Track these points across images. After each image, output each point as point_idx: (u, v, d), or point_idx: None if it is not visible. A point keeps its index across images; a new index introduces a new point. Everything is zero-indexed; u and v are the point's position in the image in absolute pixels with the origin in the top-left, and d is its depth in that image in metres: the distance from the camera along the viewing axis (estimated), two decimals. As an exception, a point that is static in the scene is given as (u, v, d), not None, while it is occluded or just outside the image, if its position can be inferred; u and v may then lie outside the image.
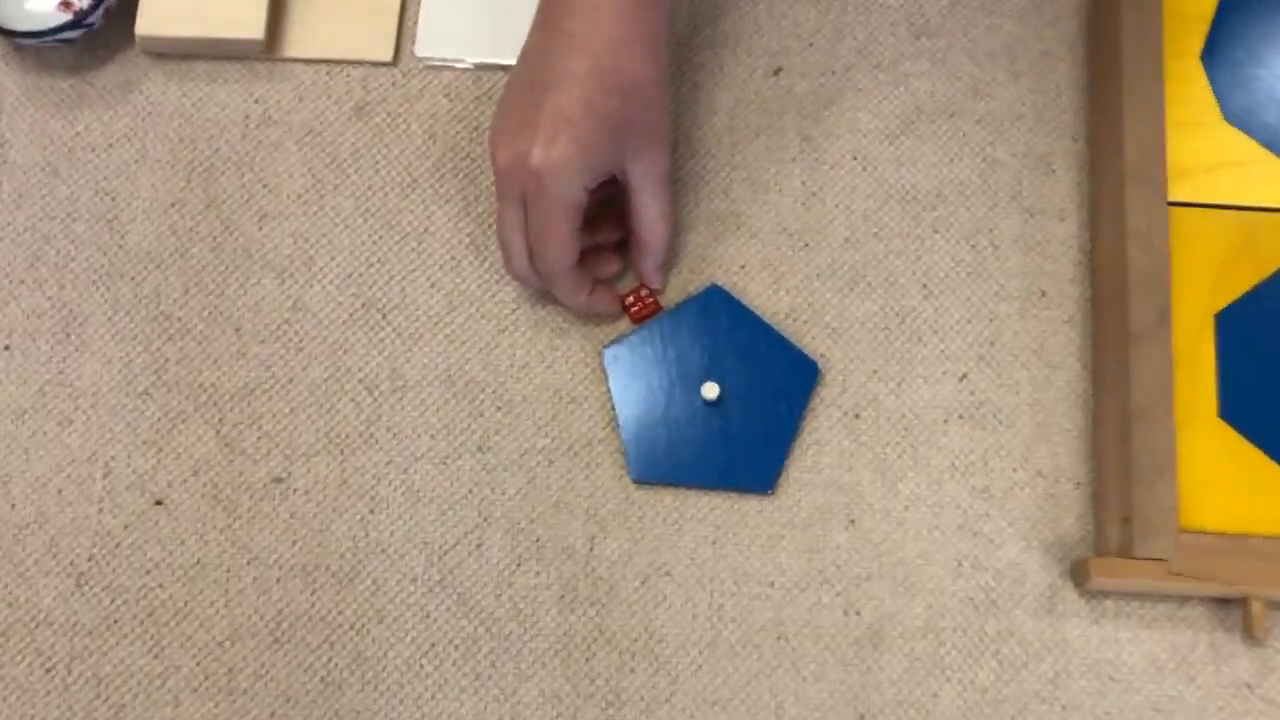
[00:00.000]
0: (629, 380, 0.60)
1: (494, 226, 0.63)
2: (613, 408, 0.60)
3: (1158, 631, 0.58)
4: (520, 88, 0.56)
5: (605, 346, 0.61)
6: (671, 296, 0.62)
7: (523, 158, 0.54)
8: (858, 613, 0.58)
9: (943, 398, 0.61)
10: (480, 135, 0.65)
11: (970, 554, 0.59)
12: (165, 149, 0.65)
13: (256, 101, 0.66)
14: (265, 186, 0.64)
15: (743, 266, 0.63)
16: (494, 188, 0.64)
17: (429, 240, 0.63)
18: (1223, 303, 0.60)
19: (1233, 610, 0.58)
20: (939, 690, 0.57)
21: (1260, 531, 0.57)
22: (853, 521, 0.59)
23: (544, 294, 0.62)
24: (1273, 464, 0.57)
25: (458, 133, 0.65)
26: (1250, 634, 0.56)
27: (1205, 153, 0.62)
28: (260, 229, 0.64)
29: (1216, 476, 0.58)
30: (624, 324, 0.62)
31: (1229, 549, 0.56)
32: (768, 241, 0.63)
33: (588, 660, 0.58)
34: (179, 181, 0.64)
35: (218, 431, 0.61)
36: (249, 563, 0.59)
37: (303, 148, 0.65)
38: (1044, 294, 0.62)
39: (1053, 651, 0.57)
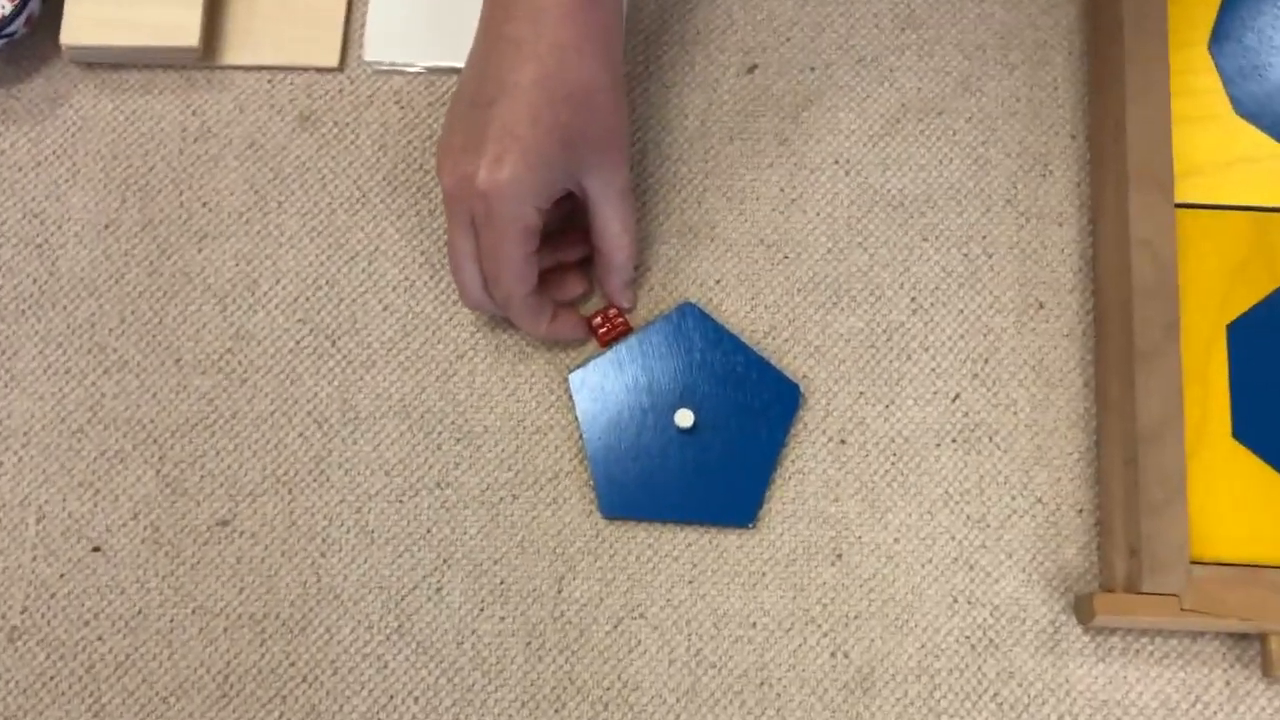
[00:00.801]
0: (597, 408, 0.56)
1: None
2: (580, 438, 0.56)
3: (1169, 670, 0.54)
4: (464, 102, 0.52)
5: (571, 371, 0.57)
6: (641, 315, 0.58)
7: (469, 179, 0.50)
8: (846, 655, 0.54)
9: (934, 420, 0.57)
10: (434, 145, 0.61)
11: (966, 589, 0.55)
12: (97, 166, 0.61)
13: (194, 113, 0.61)
14: (205, 205, 0.60)
15: (717, 281, 0.58)
16: (448, 203, 0.59)
17: (381, 260, 0.59)
18: (1235, 312, 0.56)
19: (1250, 645, 0.54)
20: (934, 737, 0.53)
21: (1278, 562, 0.52)
22: (839, 556, 0.55)
23: (505, 318, 0.58)
24: (1291, 487, 0.53)
25: (410, 142, 0.61)
26: (1269, 673, 0.52)
27: (1215, 149, 0.57)
28: (200, 251, 0.60)
29: (1230, 502, 0.54)
30: (591, 346, 0.58)
31: (1245, 581, 0.52)
32: (744, 254, 0.59)
33: (557, 711, 0.54)
34: (113, 201, 0.60)
35: (158, 471, 0.57)
36: (194, 612, 0.55)
37: (244, 162, 0.61)
38: (1042, 305, 0.58)
39: (1056, 693, 0.54)
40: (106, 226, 0.60)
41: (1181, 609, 0.51)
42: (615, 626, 0.55)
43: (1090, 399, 0.57)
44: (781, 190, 0.60)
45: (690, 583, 0.55)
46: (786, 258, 0.59)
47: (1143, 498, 0.52)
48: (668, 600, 0.55)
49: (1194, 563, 0.52)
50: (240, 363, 0.58)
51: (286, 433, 0.57)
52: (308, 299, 0.59)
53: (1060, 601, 0.55)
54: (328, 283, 0.59)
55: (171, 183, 0.61)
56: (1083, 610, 0.54)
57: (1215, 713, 0.53)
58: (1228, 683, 0.54)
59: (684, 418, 0.56)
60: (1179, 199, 0.56)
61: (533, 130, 0.49)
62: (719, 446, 0.56)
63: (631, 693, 0.54)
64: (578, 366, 0.58)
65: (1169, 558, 0.52)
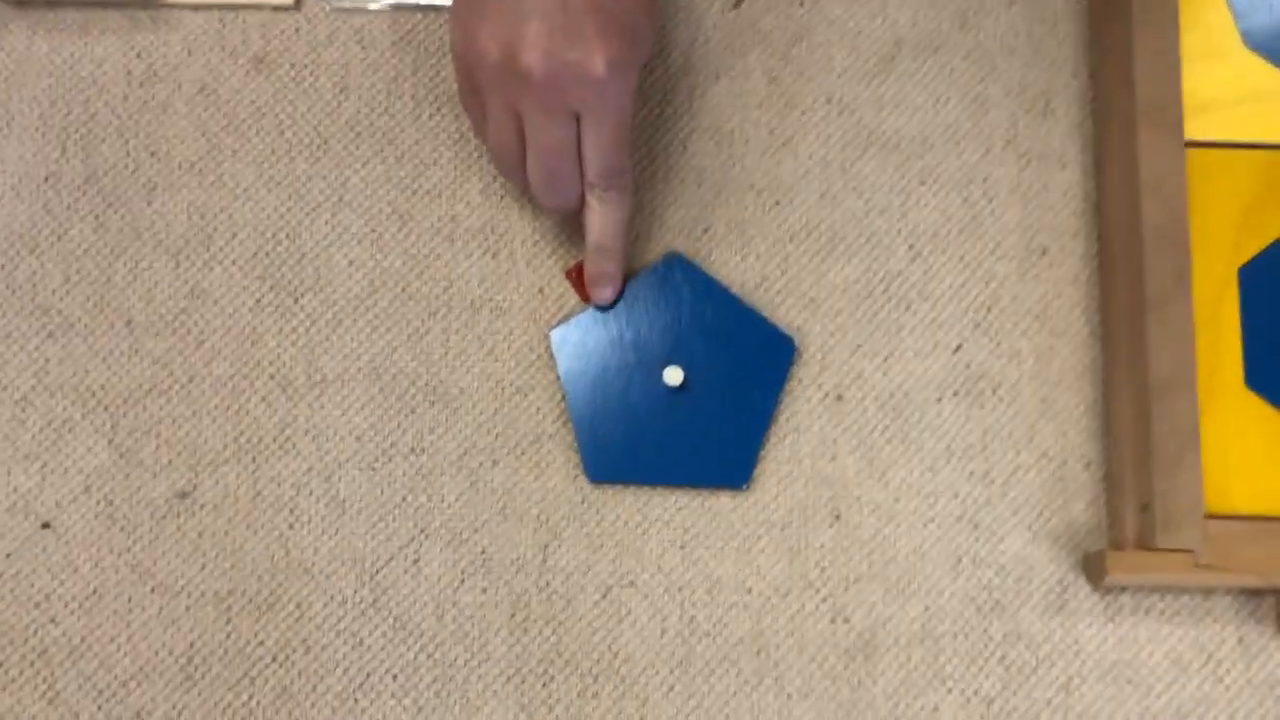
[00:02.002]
0: (580, 366, 0.53)
1: (418, 193, 0.55)
2: (563, 398, 0.53)
3: (1180, 628, 0.52)
4: None
5: (552, 328, 0.54)
6: (627, 266, 0.55)
7: (577, 67, 0.46)
8: (846, 619, 0.52)
9: (935, 372, 0.54)
10: (399, 86, 0.57)
11: (970, 549, 0.52)
12: (35, 114, 0.56)
13: (139, 55, 0.57)
14: (153, 154, 0.56)
15: (705, 230, 0.55)
16: (418, 146, 0.56)
17: (345, 211, 0.55)
18: (1246, 255, 0.53)
19: (1264, 601, 0.52)
20: (939, 703, 0.51)
21: (1294, 514, 0.51)
22: (838, 517, 0.53)
23: (482, 269, 0.54)
24: (1306, 437, 0.51)
25: (373, 84, 0.57)
26: (1285, 629, 0.50)
27: (1225, 85, 0.55)
28: (149, 204, 0.55)
29: (1243, 453, 0.51)
30: (573, 301, 0.55)
31: (1260, 535, 0.50)
32: (732, 200, 0.55)
33: (544, 685, 0.51)
34: (52, 151, 0.56)
35: (111, 441, 0.53)
36: (153, 590, 0.52)
37: (195, 108, 0.56)
38: (1045, 251, 0.55)
39: (1064, 655, 0.51)
40: (46, 179, 0.56)
41: (1196, 565, 0.49)
42: (604, 596, 0.52)
43: (1097, 348, 0.55)
44: (771, 132, 0.57)
45: (682, 548, 0.53)
46: (778, 204, 0.56)
47: (1155, 451, 0.50)
48: (659, 567, 0.52)
49: (1208, 517, 0.50)
50: (196, 323, 0.55)
51: (248, 397, 0.54)
52: (267, 254, 0.55)
53: (1068, 560, 0.53)
54: (288, 236, 0.55)
55: (116, 131, 0.56)
56: (1093, 568, 0.51)
57: (1228, 670, 0.51)
58: (1240, 639, 0.52)
59: (673, 375, 0.53)
60: (1187, 138, 0.53)
61: (619, 3, 0.46)
62: (710, 405, 0.53)
63: (623, 664, 0.52)
64: (559, 323, 0.54)
65: (1183, 513, 0.50)
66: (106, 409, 0.54)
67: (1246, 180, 0.54)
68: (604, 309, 0.53)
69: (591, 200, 0.51)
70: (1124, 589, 0.52)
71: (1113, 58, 0.55)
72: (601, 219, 0.51)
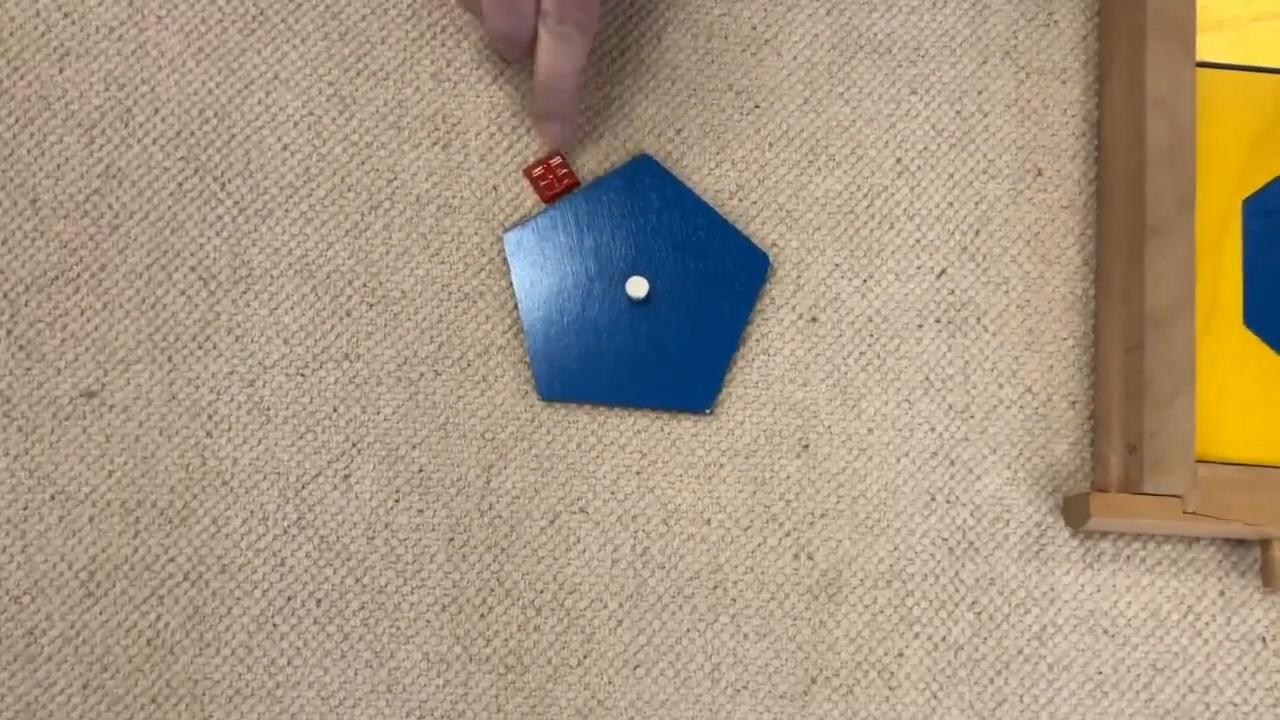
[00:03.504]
0: (536, 273, 0.49)
1: (363, 74, 0.50)
2: (515, 307, 0.49)
3: (1161, 578, 0.49)
4: None
5: (506, 230, 0.49)
6: (589, 168, 0.50)
7: None
8: (810, 556, 0.48)
9: (916, 297, 0.50)
10: (346, -44, 0.51)
11: (945, 486, 0.49)
12: (-69, -38, 0.50)
13: (52, -97, 0.51)
14: (65, 15, 0.50)
15: (678, 131, 0.51)
16: (364, 21, 0.50)
17: (280, 89, 0.50)
18: (1253, 186, 0.50)
19: (1247, 553, 0.49)
20: (905, 648, 0.48)
21: (1287, 462, 0.48)
22: (806, 447, 0.49)
23: (430, 162, 0.49)
24: (1304, 382, 0.48)
25: (318, -48, 0.51)
26: (1270, 583, 0.48)
27: (1241, 2, 0.51)
28: (61, 72, 0.50)
29: (1238, 396, 0.48)
30: (531, 201, 0.50)
31: (1250, 483, 0.47)
32: (709, 101, 0.51)
33: (482, 616, 0.47)
34: (-50, 6, 0.50)
35: (9, 332, 0.48)
36: (53, 498, 0.47)
37: (114, -34, 0.51)
38: (1040, 172, 0.51)
39: (1039, 602, 0.48)
40: (-57, 37, 0.50)
41: (1185, 512, 0.46)
42: (551, 522, 0.48)
43: (1089, 279, 0.51)
44: (753, 28, 0.52)
45: (638, 474, 0.49)
46: (757, 107, 0.51)
47: (1147, 389, 0.47)
48: (612, 493, 0.48)
49: (1197, 461, 0.47)
50: (110, 206, 0.49)
51: (166, 290, 0.49)
52: (192, 133, 0.50)
53: (1048, 502, 0.49)
54: (216, 114, 0.50)
55: (24, -13, 0.50)
56: (1074, 512, 0.48)
57: (1207, 624, 0.49)
58: (1221, 593, 0.49)
59: (636, 287, 0.48)
60: (1200, 57, 0.50)
61: None
62: (675, 321, 0.49)
63: (568, 596, 0.48)
64: (515, 225, 0.50)
65: (1174, 456, 0.46)
66: (5, 297, 0.48)
67: (1256, 107, 0.51)
68: (556, 152, 0.48)
69: (544, 33, 0.46)
70: (1104, 535, 0.49)
71: (1123, -34, 0.51)
72: (553, 55, 0.46)
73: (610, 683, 0.47)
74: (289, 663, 0.47)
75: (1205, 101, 0.50)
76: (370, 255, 0.50)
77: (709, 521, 0.49)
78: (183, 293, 0.49)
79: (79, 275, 0.49)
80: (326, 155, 0.50)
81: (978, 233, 0.51)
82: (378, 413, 0.49)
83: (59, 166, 0.49)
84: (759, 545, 0.49)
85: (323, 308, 0.49)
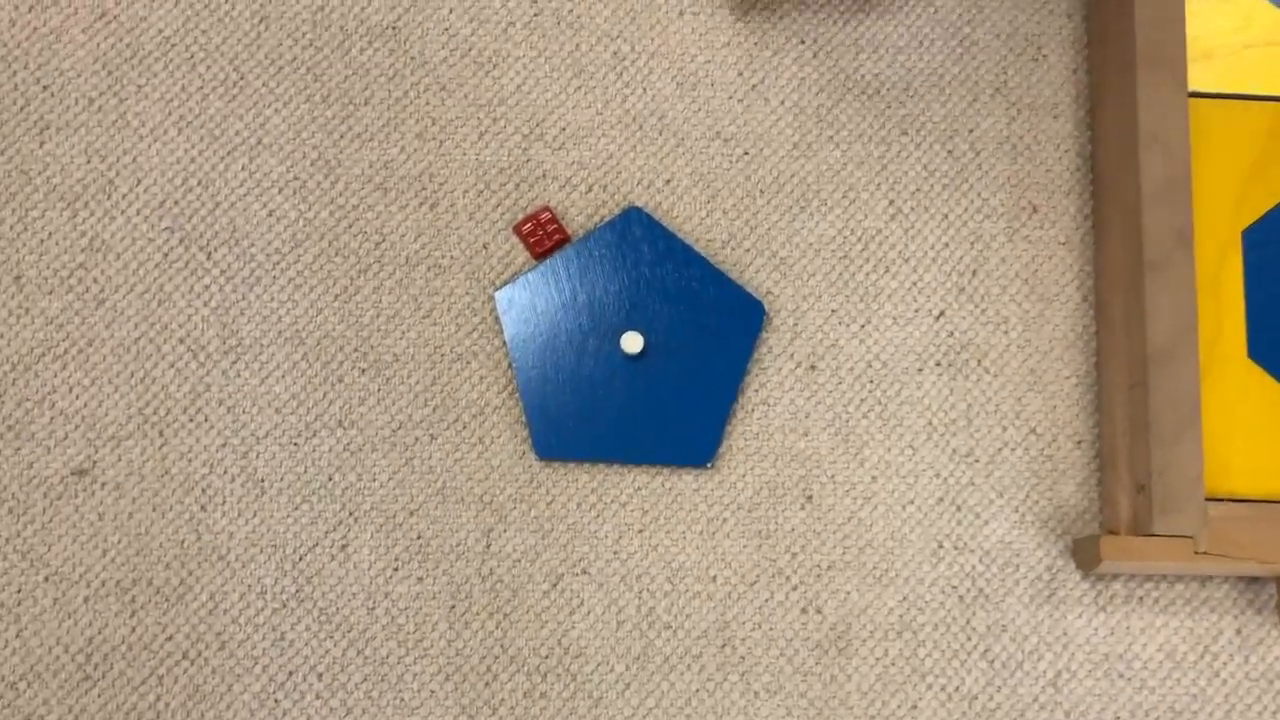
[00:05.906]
0: (529, 331, 0.48)
1: (347, 136, 0.50)
2: (509, 366, 0.48)
3: (1176, 618, 0.48)
4: None
5: (497, 288, 0.49)
6: (580, 222, 0.50)
7: None
8: (818, 610, 0.47)
9: (915, 341, 0.50)
10: (325, 17, 0.51)
11: (952, 533, 0.48)
12: (-93, 40, 0.50)
13: (28, -25, 0.51)
14: (45, 89, 0.50)
15: (667, 182, 0.50)
16: (346, 83, 0.50)
17: (264, 155, 0.50)
18: (1252, 216, 0.50)
19: (1263, 589, 0.48)
20: (918, 700, 0.47)
21: (1300, 497, 0.47)
22: (809, 498, 0.48)
23: (418, 222, 0.49)
24: (1312, 413, 0.48)
25: (296, 14, 0.51)
26: (1287, 620, 0.47)
27: (1229, 31, 0.51)
28: (42, 145, 0.49)
29: (1245, 431, 0.48)
30: (521, 258, 0.49)
31: (1263, 519, 0.47)
32: (697, 149, 0.50)
33: (487, 685, 0.46)
34: (-72, 83, 0.49)
35: (-4, 412, 0.47)
36: (46, 580, 0.46)
37: (93, 36, 0.50)
38: (1035, 209, 0.51)
39: (1053, 647, 0.48)
40: (-79, 114, 0.49)
41: (1196, 552, 0.45)
42: (554, 585, 0.47)
43: (1089, 315, 0.50)
44: (740, 74, 0.51)
45: (640, 532, 0.48)
46: (747, 154, 0.51)
47: (1153, 426, 0.46)
48: (614, 553, 0.48)
49: (1207, 499, 0.46)
50: (95, 280, 0.49)
51: (155, 363, 0.48)
52: (176, 202, 0.49)
53: (1057, 545, 0.49)
54: (200, 183, 0.50)
55: (2, 61, 0.50)
56: (1084, 555, 0.48)
57: (1225, 664, 0.48)
58: (1239, 630, 0.48)
59: (631, 342, 0.48)
60: (1192, 87, 0.49)
61: None
62: (672, 375, 0.48)
63: (574, 660, 0.47)
64: (506, 283, 0.49)
65: (1182, 494, 0.46)
66: (-8, 376, 0.48)
67: (1251, 135, 0.50)
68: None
69: None
70: (1116, 576, 0.49)
71: (1111, -1, 0.51)
72: None
73: (620, 746, 0.47)
74: (292, 739, 0.46)
75: (1199, 132, 0.50)
76: (361, 319, 0.49)
77: (714, 578, 0.48)
78: (172, 365, 0.48)
79: (66, 351, 0.48)
80: (313, 220, 0.49)
81: (975, 273, 0.51)
82: (374, 480, 0.48)
83: (42, 241, 0.49)
84: (766, 601, 0.48)
85: (314, 375, 0.48)
